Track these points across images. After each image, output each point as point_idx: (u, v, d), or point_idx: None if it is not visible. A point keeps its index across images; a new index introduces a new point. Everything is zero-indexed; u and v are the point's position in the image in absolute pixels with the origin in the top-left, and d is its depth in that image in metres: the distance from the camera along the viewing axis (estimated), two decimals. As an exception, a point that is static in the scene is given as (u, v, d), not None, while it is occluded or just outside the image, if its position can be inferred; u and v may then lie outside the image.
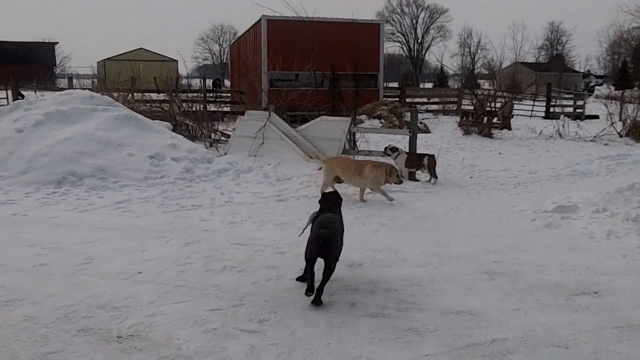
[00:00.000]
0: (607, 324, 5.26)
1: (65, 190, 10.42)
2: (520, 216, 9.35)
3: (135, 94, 20.11)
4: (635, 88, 55.81)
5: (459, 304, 5.67)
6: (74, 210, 9.25)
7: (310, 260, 5.76)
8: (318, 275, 5.68)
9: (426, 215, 9.37)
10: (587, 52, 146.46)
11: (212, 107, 22.48)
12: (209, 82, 41.15)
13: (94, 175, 10.98)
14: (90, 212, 9.17)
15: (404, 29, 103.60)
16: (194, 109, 17.53)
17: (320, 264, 5.70)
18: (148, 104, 17.89)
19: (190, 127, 15.86)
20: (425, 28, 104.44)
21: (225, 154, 13.48)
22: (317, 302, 5.56)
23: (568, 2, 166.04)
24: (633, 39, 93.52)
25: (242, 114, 14.63)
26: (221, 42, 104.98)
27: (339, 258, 5.96)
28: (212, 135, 15.60)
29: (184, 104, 17.40)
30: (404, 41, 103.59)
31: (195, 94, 20.16)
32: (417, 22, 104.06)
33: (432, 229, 8.55)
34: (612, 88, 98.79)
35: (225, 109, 24.46)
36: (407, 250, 7.35)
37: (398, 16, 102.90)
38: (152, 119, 14.87)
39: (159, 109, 17.45)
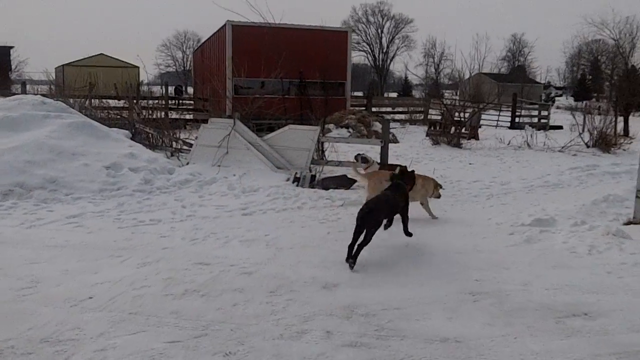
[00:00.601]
0: (602, 350, 4.83)
1: (12, 203, 9.55)
2: (497, 230, 8.92)
3: (93, 100, 19.30)
4: (594, 99, 56.53)
5: (444, 329, 5.17)
6: (20, 226, 8.45)
7: (354, 232, 6.93)
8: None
9: (401, 230, 8.84)
10: (547, 64, 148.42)
11: (174, 115, 21.75)
12: (171, 89, 40.31)
13: (45, 187, 10.20)
14: (38, 227, 8.40)
15: (369, 39, 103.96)
16: (154, 116, 16.79)
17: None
18: (106, 111, 17.11)
19: (150, 135, 15.15)
20: (391, 38, 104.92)
21: (188, 164, 12.83)
22: (351, 263, 6.76)
23: (530, 14, 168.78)
24: (592, 52, 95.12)
25: (206, 121, 14.01)
26: (184, 49, 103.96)
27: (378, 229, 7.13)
28: (174, 144, 14.91)
29: (144, 111, 16.63)
30: (369, 50, 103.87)
31: (156, 101, 19.42)
32: (382, 31, 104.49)
33: (408, 245, 8.05)
34: (572, 99, 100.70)
35: (188, 117, 23.76)
36: (384, 268, 6.86)
37: (363, 25, 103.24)
38: (110, 127, 14.16)
39: (118, 116, 16.70)
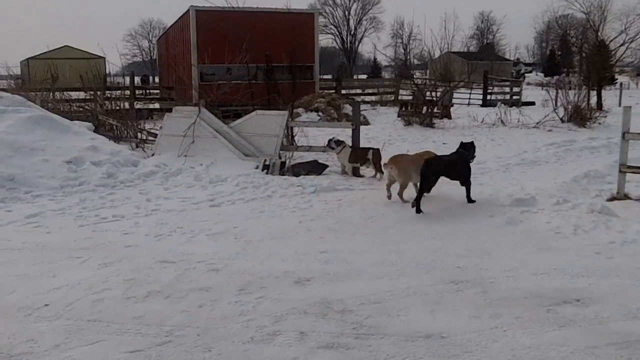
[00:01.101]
0: (599, 341, 4.50)
1: (-33, 204, 9.04)
2: (477, 212, 8.59)
3: (56, 93, 18.61)
4: (564, 74, 56.69)
5: (427, 324, 4.83)
6: (-25, 228, 7.95)
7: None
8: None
9: (376, 215, 8.51)
10: (517, 41, 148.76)
11: (139, 105, 21.13)
12: (138, 79, 39.45)
13: (2, 185, 9.63)
14: (-6, 229, 7.91)
15: (336, 21, 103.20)
16: (120, 107, 16.19)
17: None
18: (68, 104, 16.46)
19: (114, 127, 14.59)
20: (358, 20, 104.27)
21: (153, 155, 12.34)
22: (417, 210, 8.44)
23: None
24: (561, 27, 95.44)
25: (171, 110, 13.51)
26: (150, 38, 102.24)
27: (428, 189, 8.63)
28: (139, 135, 14.37)
29: (107, 103, 16.01)
30: (337, 33, 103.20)
31: (120, 92, 18.78)
32: (349, 13, 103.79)
33: (384, 231, 7.71)
34: (542, 75, 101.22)
35: (155, 106, 23.13)
36: (360, 259, 6.46)
37: (330, 8, 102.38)
38: (72, 120, 13.60)
39: (80, 109, 16.08)
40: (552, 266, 6.13)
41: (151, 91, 30.86)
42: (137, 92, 25.13)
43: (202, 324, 4.83)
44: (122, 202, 9.32)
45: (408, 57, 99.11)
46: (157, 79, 45.09)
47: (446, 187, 10.64)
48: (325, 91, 26.71)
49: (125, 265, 6.26)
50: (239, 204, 9.24)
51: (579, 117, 20.34)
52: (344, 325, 4.79)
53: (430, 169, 8.71)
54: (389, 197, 9.26)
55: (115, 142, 13.27)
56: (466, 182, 9.15)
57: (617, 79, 48.17)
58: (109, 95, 16.83)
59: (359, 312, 5.05)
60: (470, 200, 8.97)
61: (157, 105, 23.48)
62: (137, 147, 13.62)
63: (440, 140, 16.69)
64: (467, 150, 9.40)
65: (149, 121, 17.22)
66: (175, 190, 10.15)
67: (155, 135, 13.54)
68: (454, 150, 9.58)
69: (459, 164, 9.11)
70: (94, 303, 5.26)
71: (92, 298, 5.37)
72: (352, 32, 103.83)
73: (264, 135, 12.20)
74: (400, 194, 9.19)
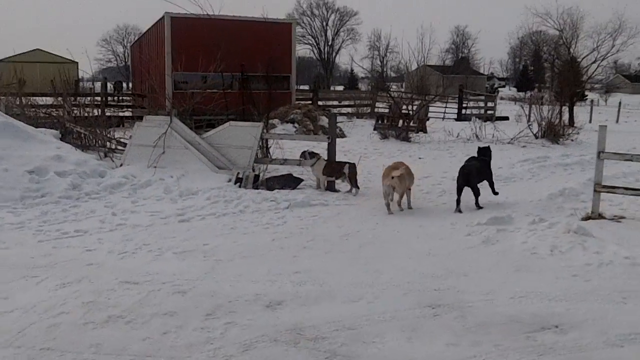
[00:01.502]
0: (581, 372, 4.27)
1: None
2: (453, 230, 8.41)
3: (23, 98, 18.04)
4: (536, 90, 57.18)
5: (404, 352, 4.60)
6: None
7: (458, 190, 9.86)
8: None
9: (351, 232, 8.25)
10: (491, 56, 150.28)
11: (110, 112, 20.64)
12: (111, 85, 38.89)
13: (-43, 196, 9.21)
14: (-54, 246, 7.45)
15: (314, 31, 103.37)
16: (90, 114, 15.69)
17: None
18: (34, 110, 15.92)
19: (82, 135, 14.14)
20: (336, 30, 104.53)
21: (121, 165, 11.92)
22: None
23: (474, 6, 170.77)
24: (534, 43, 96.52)
25: (142, 119, 13.12)
26: (125, 44, 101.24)
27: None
28: (108, 143, 13.93)
29: (74, 109, 15.51)
30: (314, 44, 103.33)
31: (91, 98, 18.25)
32: (327, 24, 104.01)
33: (360, 249, 7.45)
34: (515, 90, 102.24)
35: (126, 114, 22.62)
36: (334, 280, 6.18)
37: (308, 18, 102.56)
38: (38, 127, 13.14)
39: (47, 115, 15.58)
40: (529, 289, 5.93)
41: (124, 98, 30.35)
42: (109, 99, 24.61)
43: (165, 353, 4.51)
44: (86, 215, 8.90)
45: (385, 69, 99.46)
46: (130, 86, 44.50)
47: (422, 202, 10.48)
48: (302, 102, 26.47)
49: (86, 286, 5.90)
50: (210, 219, 8.90)
51: (553, 133, 20.34)
52: (317, 355, 4.51)
53: (474, 175, 10.01)
54: (391, 212, 9.59)
55: (82, 151, 12.82)
56: (490, 182, 10.49)
57: (587, 96, 48.63)
58: (78, 102, 16.33)
59: (332, 339, 4.77)
60: (495, 193, 10.48)
61: (128, 113, 23.01)
62: (105, 156, 13.18)
63: (417, 155, 16.50)
64: (486, 154, 10.63)
65: (120, 129, 16.75)
66: (143, 203, 9.77)
67: (125, 145, 13.13)
68: (473, 155, 10.95)
69: (484, 168, 10.43)
70: (49, 329, 4.90)
71: (47, 323, 5.01)
72: (329, 43, 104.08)
73: (237, 147, 11.88)
74: (399, 203, 9.71)
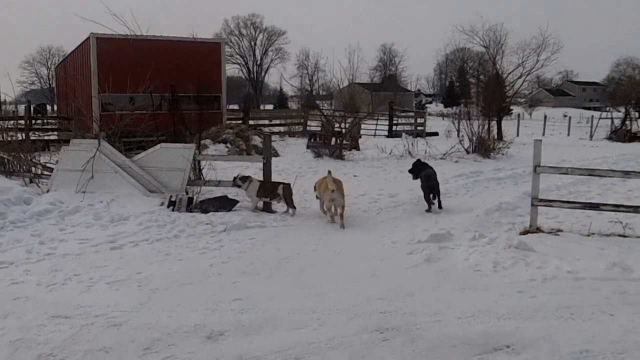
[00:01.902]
0: (536, 395, 4.19)
1: None
2: (394, 249, 8.33)
3: None
4: (462, 105, 58.40)
5: (354, 383, 4.40)
6: None
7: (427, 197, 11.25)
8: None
9: (291, 255, 8.07)
10: (418, 72, 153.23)
11: (34, 136, 19.89)
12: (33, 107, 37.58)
13: None
14: None
15: (242, 51, 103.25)
16: (12, 138, 15.01)
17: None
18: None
19: (6, 160, 13.50)
20: (264, 50, 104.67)
21: (48, 191, 11.41)
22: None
23: (399, 25, 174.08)
24: (459, 60, 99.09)
25: (69, 143, 12.63)
26: (49, 65, 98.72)
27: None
28: (33, 169, 13.34)
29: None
30: (243, 63, 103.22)
31: (12, 122, 17.52)
32: (255, 44, 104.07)
33: (301, 272, 7.28)
34: (442, 105, 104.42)
35: (52, 138, 21.84)
36: (277, 306, 5.98)
37: (236, 38, 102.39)
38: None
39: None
40: (476, 307, 5.87)
41: (49, 121, 29.41)
42: (34, 122, 23.77)
43: (100, 393, 4.22)
44: (12, 245, 8.36)
45: (313, 88, 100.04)
46: (56, 108, 43.21)
47: (361, 220, 10.41)
48: (233, 122, 26.20)
49: (12, 322, 5.53)
50: (143, 246, 8.54)
51: (484, 148, 20.68)
52: (263, 388, 4.31)
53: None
54: (334, 220, 10.22)
55: (5, 177, 12.23)
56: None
57: (512, 110, 49.98)
58: (0, 126, 15.63)
59: (278, 370, 4.58)
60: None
61: (54, 137, 22.24)
62: (30, 182, 12.60)
63: (351, 173, 16.43)
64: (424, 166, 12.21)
65: (45, 154, 16.11)
66: (72, 230, 9.31)
67: (51, 170, 12.60)
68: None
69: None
70: (-28, 371, 4.55)
71: (-29, 365, 4.66)
72: (258, 62, 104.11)
73: (169, 170, 11.55)
74: (342, 215, 9.99)
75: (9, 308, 5.91)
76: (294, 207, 10.98)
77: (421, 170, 12.03)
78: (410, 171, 12.54)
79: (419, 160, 12.83)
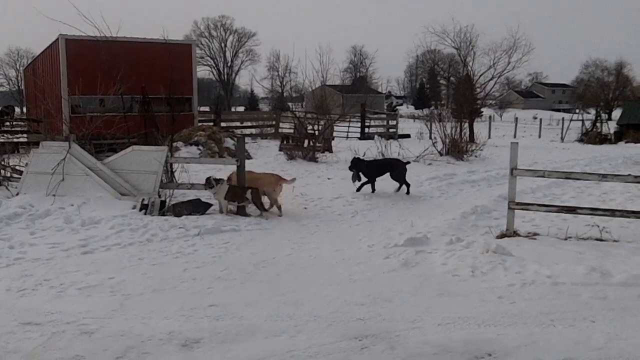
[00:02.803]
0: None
1: None
2: (370, 254, 8.29)
3: None
4: (432, 107, 58.82)
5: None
6: None
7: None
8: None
9: (266, 260, 7.98)
10: (389, 74, 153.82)
11: (3, 138, 19.54)
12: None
13: None
14: None
15: (212, 52, 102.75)
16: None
17: None
18: None
19: (-28, 164, 13.19)
20: (234, 52, 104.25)
21: (17, 194, 11.17)
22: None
23: (369, 26, 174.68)
24: (429, 61, 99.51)
25: (38, 145, 12.38)
26: (18, 67, 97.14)
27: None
28: (2, 171, 13.06)
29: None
30: (214, 65, 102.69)
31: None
32: (225, 45, 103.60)
33: (277, 278, 7.19)
34: (412, 107, 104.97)
35: (21, 140, 21.46)
36: (253, 312, 5.89)
37: (206, 39, 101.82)
38: None
39: None
40: (456, 314, 5.83)
41: (19, 123, 28.96)
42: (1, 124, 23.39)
43: (73, 404, 4.10)
44: (-20, 250, 8.18)
45: (285, 90, 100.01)
46: (24, 110, 42.54)
47: (335, 224, 10.35)
48: (205, 124, 25.98)
49: (-20, 329, 5.37)
50: (115, 250, 8.39)
51: (457, 150, 20.75)
52: (241, 398, 4.21)
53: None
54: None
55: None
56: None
57: (482, 112, 50.37)
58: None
59: (256, 379, 4.49)
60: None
61: (23, 139, 21.86)
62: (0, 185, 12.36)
63: (325, 175, 16.37)
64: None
65: (14, 156, 15.80)
66: (42, 234, 9.10)
67: (21, 173, 12.36)
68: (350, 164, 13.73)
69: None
70: (-62, 382, 4.39)
71: (-63, 376, 4.50)
72: (228, 64, 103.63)
73: (141, 172, 11.38)
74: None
75: (-23, 315, 5.74)
76: (266, 210, 10.89)
77: (361, 166, 13.67)
78: (350, 168, 13.80)
79: (357, 157, 14.30)
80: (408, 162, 14.62)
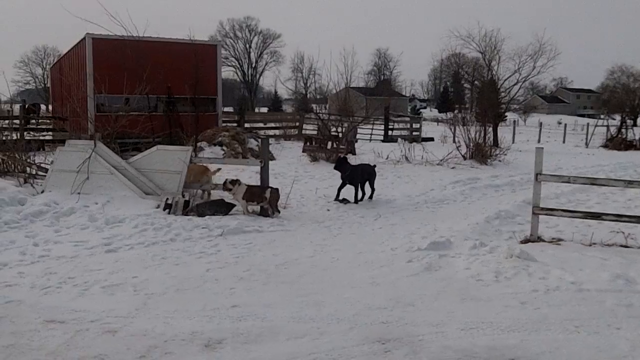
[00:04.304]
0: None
1: None
2: (393, 257, 8.21)
3: None
4: (456, 111, 58.43)
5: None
6: None
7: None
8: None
9: (288, 261, 7.95)
10: (412, 77, 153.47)
11: (29, 136, 19.74)
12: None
13: None
14: None
15: (237, 54, 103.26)
16: (6, 137, 14.85)
17: None
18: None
19: (0, 160, 13.34)
20: (259, 53, 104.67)
21: (43, 192, 11.27)
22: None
23: (395, 29, 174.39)
24: (453, 65, 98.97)
25: (64, 143, 12.50)
26: (44, 65, 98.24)
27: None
28: (28, 169, 13.18)
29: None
30: (238, 65, 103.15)
31: (7, 121, 17.39)
32: (250, 46, 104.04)
33: (299, 279, 7.16)
34: (436, 111, 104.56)
35: (47, 138, 21.68)
36: (275, 314, 5.86)
37: (231, 40, 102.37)
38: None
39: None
40: (479, 319, 5.76)
41: (45, 120, 29.23)
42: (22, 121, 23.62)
43: (95, 402, 4.11)
44: (5, 247, 8.20)
45: (308, 91, 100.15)
46: (50, 108, 42.96)
47: (358, 227, 10.32)
48: (229, 124, 26.06)
49: (5, 326, 5.40)
50: (139, 249, 8.42)
51: (480, 154, 20.62)
52: (263, 400, 4.19)
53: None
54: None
55: (0, 177, 12.11)
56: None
57: (506, 116, 50.02)
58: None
59: (278, 382, 4.46)
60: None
61: (49, 137, 22.08)
62: (25, 182, 12.45)
63: (348, 177, 16.31)
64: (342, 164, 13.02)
65: (40, 154, 15.95)
66: (67, 232, 9.17)
67: (46, 170, 12.47)
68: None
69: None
70: (-37, 378, 4.42)
71: (-38, 371, 4.53)
72: (253, 65, 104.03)
73: (165, 172, 11.43)
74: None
75: (1, 311, 5.77)
76: (278, 211, 10.90)
77: (347, 167, 12.83)
78: (335, 168, 13.16)
79: (344, 157, 13.85)
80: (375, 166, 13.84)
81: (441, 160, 19.47)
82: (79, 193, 10.99)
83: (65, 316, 5.66)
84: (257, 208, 10.99)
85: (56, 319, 5.59)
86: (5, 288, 6.56)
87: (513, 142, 33.03)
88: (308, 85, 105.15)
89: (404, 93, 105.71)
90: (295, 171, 17.06)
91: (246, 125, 30.30)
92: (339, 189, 12.70)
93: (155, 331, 5.32)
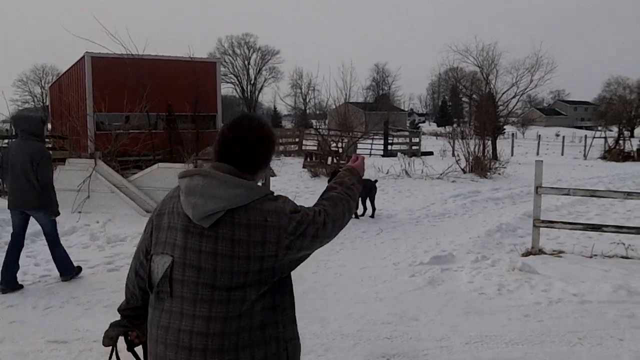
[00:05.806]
0: None
1: None
2: (396, 272, 8.19)
3: None
4: (455, 124, 58.53)
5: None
6: None
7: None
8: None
9: (292, 277, 7.90)
10: (410, 92, 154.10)
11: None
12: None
13: None
14: None
15: (236, 70, 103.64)
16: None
17: None
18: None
19: None
20: (258, 69, 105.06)
21: (43, 211, 11.26)
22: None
23: (393, 44, 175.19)
24: (451, 79, 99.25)
25: (64, 162, 12.53)
26: (43, 84, 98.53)
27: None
28: (28, 188, 13.14)
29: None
30: (237, 82, 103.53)
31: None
32: (249, 63, 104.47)
33: (303, 295, 7.10)
34: (435, 125, 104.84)
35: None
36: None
37: (230, 57, 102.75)
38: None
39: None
40: (483, 332, 5.75)
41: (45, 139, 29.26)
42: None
43: (100, 422, 4.08)
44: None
45: (307, 107, 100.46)
46: (50, 127, 43.07)
47: (360, 242, 10.30)
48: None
49: (9, 346, 5.39)
50: (141, 267, 8.39)
51: (480, 167, 20.63)
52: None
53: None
54: None
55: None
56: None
57: (505, 129, 50.14)
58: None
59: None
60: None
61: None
62: (25, 202, 12.43)
63: (348, 192, 16.32)
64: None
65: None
66: (68, 251, 9.08)
67: (46, 189, 12.46)
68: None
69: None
70: (-33, 400, 4.40)
71: (-35, 393, 4.51)
72: (252, 82, 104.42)
73: (166, 190, 11.35)
74: None
75: (4, 332, 5.76)
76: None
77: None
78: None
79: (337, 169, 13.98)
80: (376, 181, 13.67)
81: (441, 174, 19.48)
82: (80, 212, 11.01)
83: (68, 336, 5.64)
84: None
85: (59, 339, 5.57)
86: (8, 308, 6.55)
87: (512, 155, 33.10)
88: (307, 100, 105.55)
89: (402, 107, 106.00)
90: (297, 187, 17.08)
91: (246, 141, 30.28)
92: None
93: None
